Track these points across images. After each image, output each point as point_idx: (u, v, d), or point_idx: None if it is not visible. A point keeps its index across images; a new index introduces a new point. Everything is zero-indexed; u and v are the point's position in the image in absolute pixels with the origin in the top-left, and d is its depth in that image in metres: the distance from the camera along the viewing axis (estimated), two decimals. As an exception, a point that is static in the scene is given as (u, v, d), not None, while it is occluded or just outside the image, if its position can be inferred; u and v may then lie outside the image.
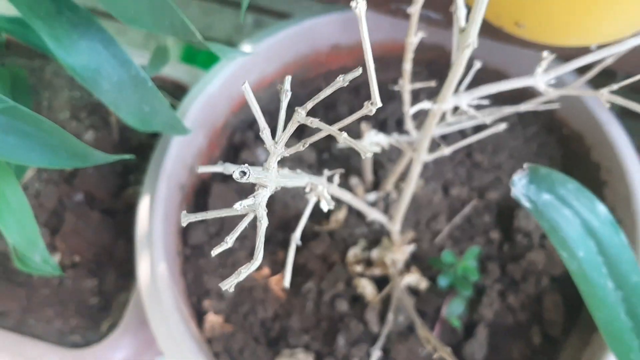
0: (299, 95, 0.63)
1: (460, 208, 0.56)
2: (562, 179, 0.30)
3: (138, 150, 0.61)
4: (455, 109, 0.48)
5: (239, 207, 0.22)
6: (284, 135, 0.22)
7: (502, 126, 0.42)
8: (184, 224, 0.22)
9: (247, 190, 0.56)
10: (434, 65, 0.61)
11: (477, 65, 0.39)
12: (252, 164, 0.56)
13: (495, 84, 0.33)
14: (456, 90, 0.35)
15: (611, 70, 0.47)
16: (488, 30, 0.45)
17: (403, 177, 0.56)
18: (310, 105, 0.22)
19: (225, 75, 0.54)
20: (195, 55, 0.79)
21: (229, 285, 0.23)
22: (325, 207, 0.31)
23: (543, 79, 0.32)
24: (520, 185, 0.30)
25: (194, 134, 0.53)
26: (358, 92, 0.63)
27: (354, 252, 0.52)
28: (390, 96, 0.60)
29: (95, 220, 0.56)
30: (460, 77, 0.33)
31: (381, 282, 0.51)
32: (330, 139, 0.59)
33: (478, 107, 0.51)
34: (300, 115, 0.22)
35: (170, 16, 0.30)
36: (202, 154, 0.56)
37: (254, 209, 0.22)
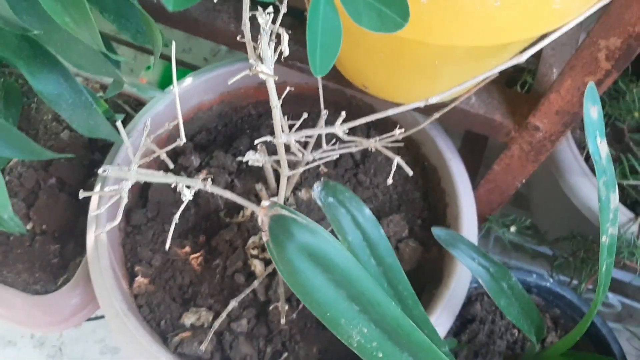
0: (232, 117, 0.80)
1: (343, 215, 0.73)
2: (342, 189, 0.47)
3: (103, 148, 0.78)
4: (332, 139, 0.65)
5: (107, 189, 0.38)
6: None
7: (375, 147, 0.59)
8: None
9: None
10: (334, 104, 0.78)
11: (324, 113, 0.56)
12: (185, 168, 0.74)
13: (309, 130, 0.49)
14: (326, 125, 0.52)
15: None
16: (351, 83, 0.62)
17: (298, 186, 0.73)
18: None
19: (170, 98, 0.71)
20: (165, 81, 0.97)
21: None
22: (184, 199, 0.47)
23: (341, 129, 0.48)
24: (317, 191, 0.47)
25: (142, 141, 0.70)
26: (279, 118, 0.80)
27: (252, 240, 0.69)
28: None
29: (63, 200, 0.73)
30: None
31: (271, 264, 0.68)
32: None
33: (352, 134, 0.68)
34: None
35: (105, 66, 0.47)
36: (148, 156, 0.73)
37: (119, 193, 0.39)
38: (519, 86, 0.69)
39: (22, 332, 1.05)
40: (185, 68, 1.21)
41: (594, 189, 0.73)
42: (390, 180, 0.45)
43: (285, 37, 0.40)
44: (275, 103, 0.43)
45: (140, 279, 0.67)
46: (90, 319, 0.77)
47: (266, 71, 0.37)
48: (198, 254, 0.70)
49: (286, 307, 0.60)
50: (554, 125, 0.56)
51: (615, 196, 0.46)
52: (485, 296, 0.76)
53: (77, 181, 0.75)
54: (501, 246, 0.96)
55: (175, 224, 0.72)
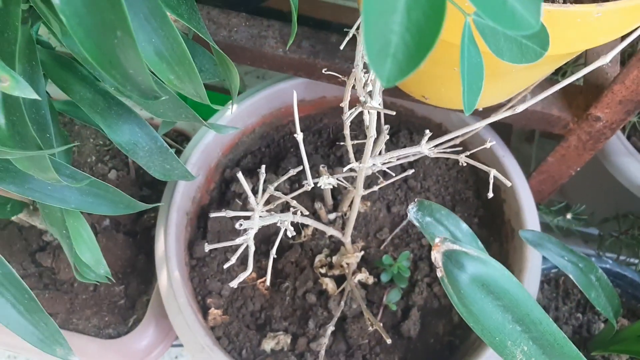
0: (274, 136, 0.80)
1: (400, 222, 0.73)
2: (438, 208, 0.48)
3: (150, 184, 0.78)
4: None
5: (239, 241, 0.39)
6: (262, 199, 0.39)
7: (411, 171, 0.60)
8: (207, 250, 0.39)
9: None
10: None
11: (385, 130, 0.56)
12: (239, 194, 0.74)
13: (396, 151, 0.50)
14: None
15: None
16: (408, 95, 0.63)
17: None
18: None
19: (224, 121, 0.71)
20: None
21: (233, 283, 0.40)
22: (289, 234, 0.48)
23: (427, 147, 0.49)
24: (412, 212, 0.48)
25: (195, 172, 0.70)
26: (320, 134, 0.80)
27: (319, 258, 0.69)
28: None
29: (120, 240, 0.73)
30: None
31: (340, 280, 0.69)
32: (300, 172, 0.76)
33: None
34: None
35: (186, 112, 0.48)
36: (201, 187, 0.73)
37: (246, 241, 0.39)
38: (560, 76, 0.70)
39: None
40: (221, 93, 1.20)
41: (641, 168, 0.74)
42: (490, 194, 0.45)
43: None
44: (372, 133, 0.43)
45: (213, 311, 0.67)
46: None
47: (377, 107, 0.38)
48: (265, 278, 0.70)
49: (372, 321, 0.61)
50: (616, 115, 0.57)
51: None
52: (545, 284, 0.77)
53: (131, 220, 0.75)
54: (546, 231, 0.97)
55: (236, 251, 0.72)
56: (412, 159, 0.63)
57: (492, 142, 0.47)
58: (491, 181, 0.45)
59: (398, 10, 0.20)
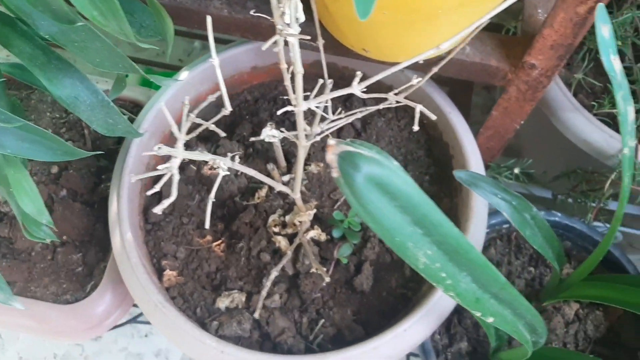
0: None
1: (353, 182, 0.75)
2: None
3: (107, 155, 0.79)
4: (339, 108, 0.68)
5: (160, 167, 0.40)
6: (184, 128, 0.40)
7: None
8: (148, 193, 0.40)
9: (191, 180, 0.74)
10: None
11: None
12: (194, 160, 0.75)
13: (329, 94, 0.51)
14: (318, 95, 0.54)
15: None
16: (350, 51, 0.64)
17: (308, 162, 0.74)
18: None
19: (169, 94, 0.72)
20: (151, 83, 0.97)
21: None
22: (222, 173, 0.49)
23: (359, 88, 0.50)
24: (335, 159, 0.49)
25: (147, 139, 0.71)
26: (275, 101, 0.81)
27: (272, 218, 0.70)
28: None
29: (78, 209, 0.74)
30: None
31: (294, 238, 0.70)
32: (254, 136, 0.78)
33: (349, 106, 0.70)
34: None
35: (122, 61, 0.49)
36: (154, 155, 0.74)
37: (171, 171, 0.41)
38: (504, 33, 0.72)
39: (45, 352, 1.05)
40: (163, 70, 1.21)
41: (588, 122, 0.76)
42: (416, 127, 0.47)
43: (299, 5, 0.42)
44: (299, 69, 0.44)
45: (168, 272, 0.68)
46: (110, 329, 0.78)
47: (295, 33, 0.39)
48: (220, 241, 0.71)
49: (324, 269, 0.62)
50: (550, 60, 0.59)
51: (632, 109, 0.49)
52: (498, 240, 0.79)
53: (88, 189, 0.76)
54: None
55: (192, 215, 0.73)
56: (359, 115, 0.64)
57: (418, 80, 0.48)
58: (417, 115, 0.47)
59: None
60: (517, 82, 0.63)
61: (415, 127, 0.47)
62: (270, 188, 0.73)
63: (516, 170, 0.74)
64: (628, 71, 0.78)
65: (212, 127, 0.49)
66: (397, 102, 0.57)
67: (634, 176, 0.71)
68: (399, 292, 0.68)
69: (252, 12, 0.61)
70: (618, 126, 0.77)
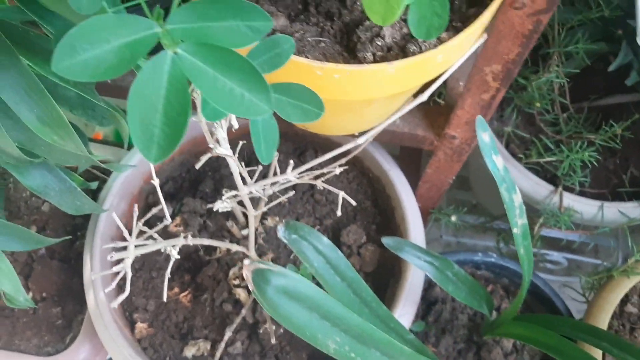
0: (193, 163, 0.88)
1: (307, 233, 0.82)
2: (301, 226, 0.57)
3: (84, 215, 0.86)
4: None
5: (115, 269, 0.47)
6: (136, 229, 0.48)
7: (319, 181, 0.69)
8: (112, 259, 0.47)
9: (158, 236, 0.81)
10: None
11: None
12: (161, 217, 0.82)
13: (267, 179, 0.59)
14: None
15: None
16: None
17: (265, 216, 0.82)
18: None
19: (136, 158, 0.79)
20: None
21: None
22: (172, 257, 0.56)
23: (293, 174, 0.57)
24: (281, 231, 0.56)
25: (117, 201, 0.78)
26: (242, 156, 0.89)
27: (232, 272, 0.78)
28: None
29: (56, 267, 0.81)
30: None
31: (253, 289, 0.77)
32: (216, 194, 0.85)
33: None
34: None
35: (85, 158, 0.56)
36: (126, 214, 0.81)
37: (124, 269, 0.48)
38: (436, 96, 0.80)
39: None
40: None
41: (517, 171, 0.84)
42: (339, 213, 0.54)
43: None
44: (234, 169, 0.52)
45: (140, 325, 0.75)
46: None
47: (225, 153, 0.47)
48: (187, 292, 0.79)
49: (273, 327, 0.69)
50: (467, 133, 0.66)
51: (517, 196, 0.57)
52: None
53: (65, 247, 0.83)
54: (453, 226, 1.07)
55: (160, 269, 0.80)
56: (288, 184, 0.72)
57: (361, 142, 0.55)
58: (340, 201, 0.54)
59: (158, 110, 0.29)
60: (443, 148, 0.71)
61: (338, 213, 0.55)
62: (231, 242, 0.81)
63: (453, 218, 0.82)
64: (554, 122, 0.86)
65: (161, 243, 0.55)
66: (342, 165, 0.65)
67: (558, 222, 0.79)
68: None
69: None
70: (546, 174, 0.85)
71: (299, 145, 0.89)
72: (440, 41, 0.47)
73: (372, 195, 0.84)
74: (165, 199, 0.85)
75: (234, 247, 0.71)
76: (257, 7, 0.31)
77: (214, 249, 0.80)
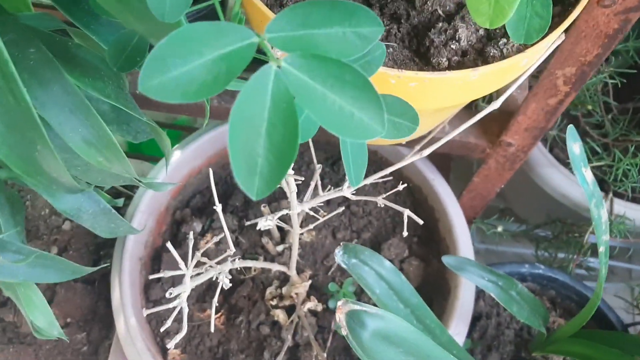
0: (221, 174, 0.84)
1: (345, 247, 0.78)
2: (361, 249, 0.52)
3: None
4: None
5: (171, 305, 0.42)
6: (191, 264, 0.43)
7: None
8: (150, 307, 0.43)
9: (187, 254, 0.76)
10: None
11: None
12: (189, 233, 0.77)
13: (321, 197, 0.54)
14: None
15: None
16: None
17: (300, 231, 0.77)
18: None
19: (163, 175, 0.75)
20: (139, 146, 1.00)
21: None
22: (226, 285, 0.52)
23: (349, 191, 0.53)
24: (339, 255, 0.52)
25: (144, 219, 0.74)
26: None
27: (269, 291, 0.73)
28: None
29: (80, 290, 0.76)
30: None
31: (292, 309, 0.73)
32: (247, 208, 0.80)
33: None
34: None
35: (123, 178, 0.51)
36: (153, 231, 0.76)
37: (180, 304, 0.43)
38: (484, 101, 0.75)
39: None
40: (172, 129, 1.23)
41: (564, 177, 0.80)
42: (405, 233, 0.50)
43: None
44: (294, 205, 0.47)
45: (172, 351, 0.71)
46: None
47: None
48: (220, 314, 0.74)
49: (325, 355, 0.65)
50: (525, 140, 0.62)
51: (604, 211, 0.53)
52: (485, 292, 0.82)
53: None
54: (482, 235, 1.02)
55: (191, 290, 0.76)
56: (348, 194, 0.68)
57: (412, 155, 0.51)
58: (405, 220, 0.50)
59: (261, 136, 0.25)
60: (496, 156, 0.66)
61: (405, 233, 0.50)
62: (266, 259, 0.76)
63: (499, 229, 0.77)
64: (599, 124, 0.82)
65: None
66: (387, 176, 0.60)
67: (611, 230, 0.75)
68: (395, 356, 0.71)
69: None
70: (593, 179, 0.81)
71: (332, 154, 0.85)
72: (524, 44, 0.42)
73: (411, 206, 0.80)
74: (193, 214, 0.80)
75: (275, 267, 0.66)
76: (366, 9, 0.26)
77: (248, 267, 0.76)
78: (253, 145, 0.24)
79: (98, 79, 0.46)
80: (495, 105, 0.48)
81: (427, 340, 0.38)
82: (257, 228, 0.61)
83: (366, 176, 0.72)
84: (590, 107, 0.72)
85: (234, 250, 0.50)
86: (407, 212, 0.50)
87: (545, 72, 0.52)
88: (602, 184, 0.81)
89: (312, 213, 0.59)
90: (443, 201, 0.74)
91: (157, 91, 0.23)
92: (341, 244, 0.52)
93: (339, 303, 0.35)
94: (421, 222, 0.50)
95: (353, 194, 0.53)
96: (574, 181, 0.79)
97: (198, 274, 0.50)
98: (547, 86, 0.54)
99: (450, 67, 0.44)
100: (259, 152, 0.24)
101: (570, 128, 0.51)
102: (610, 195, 0.78)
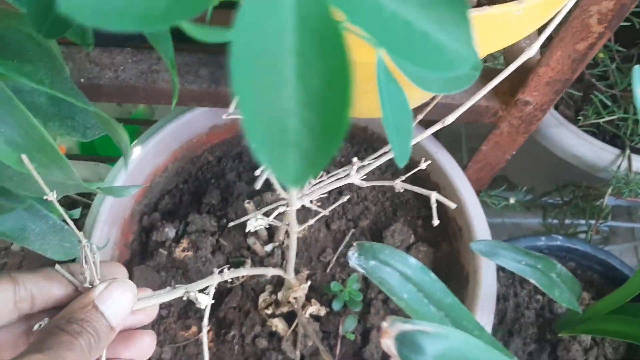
0: (191, 170, 0.73)
1: (342, 238, 0.68)
2: (380, 248, 0.43)
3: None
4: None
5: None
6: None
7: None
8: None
9: (162, 265, 0.66)
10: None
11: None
12: (162, 242, 0.67)
13: (325, 183, 0.45)
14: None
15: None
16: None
17: (290, 226, 0.68)
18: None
19: (123, 177, 0.64)
20: (92, 145, 0.88)
21: None
22: (202, 305, 0.42)
23: (357, 177, 0.44)
24: (354, 258, 0.42)
25: (106, 230, 0.63)
26: (241, 157, 0.74)
27: (263, 298, 0.63)
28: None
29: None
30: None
31: (291, 316, 0.63)
32: (225, 205, 0.70)
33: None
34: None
35: (74, 185, 0.40)
36: (118, 243, 0.65)
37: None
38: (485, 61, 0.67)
39: None
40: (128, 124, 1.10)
41: (575, 136, 0.72)
42: (436, 221, 0.41)
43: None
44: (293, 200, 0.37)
45: (157, 380, 0.60)
46: None
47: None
48: (207, 330, 0.64)
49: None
50: (545, 96, 0.54)
51: None
52: (499, 272, 0.74)
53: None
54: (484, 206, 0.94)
55: (170, 305, 0.65)
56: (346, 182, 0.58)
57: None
58: (434, 206, 0.41)
59: (288, 80, 0.15)
60: (509, 118, 0.58)
61: (435, 222, 0.41)
62: (254, 262, 0.66)
63: (512, 200, 0.69)
64: (602, 75, 0.75)
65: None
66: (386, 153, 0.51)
67: (630, 190, 0.67)
68: (413, 356, 0.63)
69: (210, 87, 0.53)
70: (604, 135, 0.73)
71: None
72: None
73: (411, 184, 0.71)
74: (163, 218, 0.69)
75: (271, 272, 0.56)
76: None
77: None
78: (276, 97, 0.14)
79: (26, 62, 0.36)
80: (530, 52, 0.39)
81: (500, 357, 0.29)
82: (247, 230, 0.52)
83: (358, 157, 0.63)
84: (602, 55, 0.64)
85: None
86: (434, 196, 0.41)
87: (576, 11, 0.44)
88: (616, 140, 0.74)
89: (309, 206, 0.49)
90: (449, 176, 0.65)
91: (88, 11, 0.13)
92: (354, 244, 0.43)
93: (385, 324, 0.26)
94: (453, 205, 0.41)
95: (363, 180, 0.44)
96: (586, 140, 0.72)
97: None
98: (577, 28, 0.45)
99: (479, 5, 0.34)
100: (289, 107, 0.14)
101: (637, 69, 0.42)
102: (628, 151, 0.70)
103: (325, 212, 0.50)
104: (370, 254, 0.42)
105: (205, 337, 0.42)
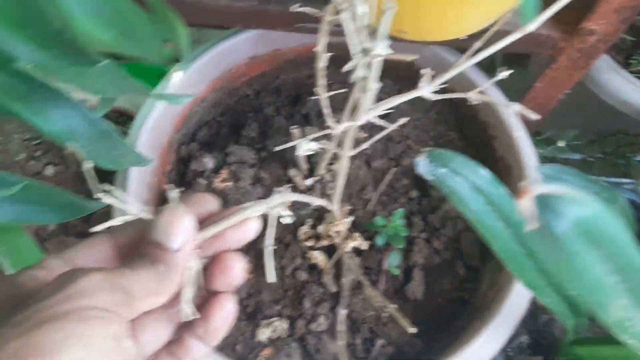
0: (228, 102, 0.71)
1: (382, 177, 0.67)
2: (452, 156, 0.41)
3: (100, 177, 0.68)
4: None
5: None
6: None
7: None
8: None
9: (202, 195, 0.64)
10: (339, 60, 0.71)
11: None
12: (201, 172, 0.65)
13: (394, 98, 0.42)
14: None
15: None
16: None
17: (332, 160, 0.66)
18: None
19: (162, 105, 0.62)
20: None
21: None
22: (286, 221, 0.40)
23: (428, 90, 0.42)
24: (424, 164, 0.41)
25: (147, 154, 0.61)
26: (279, 92, 0.72)
27: (303, 231, 0.62)
28: (307, 91, 0.70)
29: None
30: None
31: (331, 250, 0.62)
32: (264, 138, 0.68)
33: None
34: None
35: (129, 83, 0.39)
36: (156, 171, 0.64)
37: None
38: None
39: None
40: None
41: (626, 82, 0.70)
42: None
43: None
44: (373, 87, 0.35)
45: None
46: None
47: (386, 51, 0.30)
48: (246, 262, 0.63)
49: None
50: (612, 25, 0.51)
51: None
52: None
53: (81, 219, 0.65)
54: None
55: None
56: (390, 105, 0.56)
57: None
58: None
59: None
60: (570, 50, 0.55)
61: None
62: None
63: (561, 144, 0.67)
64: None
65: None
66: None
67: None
68: (455, 295, 0.61)
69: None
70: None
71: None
72: None
73: (456, 125, 0.69)
74: (202, 148, 0.68)
75: (316, 202, 0.55)
76: None
77: (273, 205, 0.64)
78: None
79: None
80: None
81: (630, 241, 0.27)
82: (296, 154, 0.50)
83: (399, 94, 0.61)
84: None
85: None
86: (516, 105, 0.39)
87: None
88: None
89: (373, 121, 0.47)
90: (500, 114, 0.63)
91: None
92: (426, 149, 0.41)
93: (524, 183, 0.24)
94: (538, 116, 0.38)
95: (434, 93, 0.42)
96: (638, 86, 0.69)
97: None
98: (663, -59, 0.42)
99: None
100: None
101: None
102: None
103: (377, 137, 0.48)
104: (441, 162, 0.41)
105: (269, 253, 0.40)
